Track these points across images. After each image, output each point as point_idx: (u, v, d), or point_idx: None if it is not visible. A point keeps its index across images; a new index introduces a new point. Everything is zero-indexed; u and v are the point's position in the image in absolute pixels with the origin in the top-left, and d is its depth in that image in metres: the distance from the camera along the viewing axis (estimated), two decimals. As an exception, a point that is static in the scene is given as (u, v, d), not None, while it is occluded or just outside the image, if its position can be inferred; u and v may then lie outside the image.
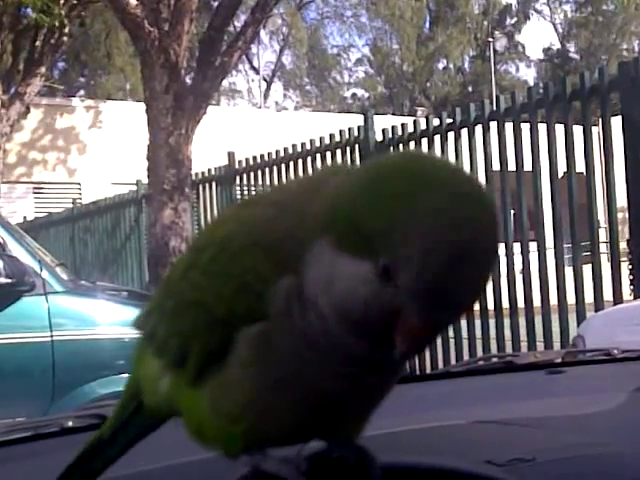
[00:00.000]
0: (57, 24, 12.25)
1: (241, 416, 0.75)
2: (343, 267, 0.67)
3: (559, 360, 1.94)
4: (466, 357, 6.49)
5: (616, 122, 5.89)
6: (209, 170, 10.08)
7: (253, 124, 19.36)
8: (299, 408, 0.76)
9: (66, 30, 12.88)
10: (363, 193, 0.66)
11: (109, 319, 4.99)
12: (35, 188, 18.33)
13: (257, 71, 36.69)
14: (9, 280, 4.81)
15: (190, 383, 0.78)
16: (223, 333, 0.74)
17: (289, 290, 0.71)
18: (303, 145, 8.41)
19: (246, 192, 9.48)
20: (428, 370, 6.56)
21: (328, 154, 8.06)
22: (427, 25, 40.81)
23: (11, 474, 1.18)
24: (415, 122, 7.28)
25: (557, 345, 6.10)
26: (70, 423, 1.36)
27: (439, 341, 6.77)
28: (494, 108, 6.60)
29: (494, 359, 2.32)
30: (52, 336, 4.84)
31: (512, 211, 6.68)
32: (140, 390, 0.86)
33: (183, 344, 0.78)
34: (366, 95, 41.72)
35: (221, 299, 0.74)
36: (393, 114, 24.67)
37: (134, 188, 11.43)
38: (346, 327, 0.68)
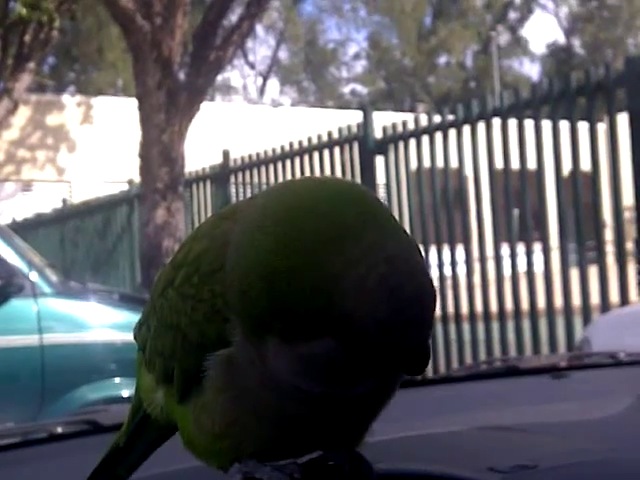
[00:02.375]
0: (46, 19, 12.13)
1: (223, 434, 0.75)
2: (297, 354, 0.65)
3: (564, 364, 1.93)
4: (469, 361, 6.41)
5: (622, 118, 5.83)
6: (203, 168, 9.98)
7: (248, 121, 19.31)
8: (280, 428, 0.75)
9: (56, 24, 12.76)
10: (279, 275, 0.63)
11: (100, 322, 4.93)
12: (24, 187, 18.24)
13: (253, 66, 36.74)
14: (-3, 281, 4.75)
15: (177, 400, 0.78)
16: (198, 357, 0.74)
17: (239, 330, 0.70)
18: (300, 142, 8.31)
19: (241, 191, 9.40)
20: (430, 374, 6.49)
21: (326, 152, 7.97)
22: (428, 19, 40.82)
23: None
24: (416, 119, 7.17)
25: (562, 348, 6.03)
26: (59, 429, 1.39)
27: (441, 345, 6.71)
28: (497, 104, 6.51)
29: (497, 363, 2.26)
30: (41, 339, 4.77)
31: (516, 210, 6.61)
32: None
33: (166, 363, 0.78)
34: (365, 91, 41.81)
35: (193, 323, 0.73)
36: (393, 110, 24.64)
37: (126, 187, 11.33)
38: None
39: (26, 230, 12.59)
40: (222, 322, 0.71)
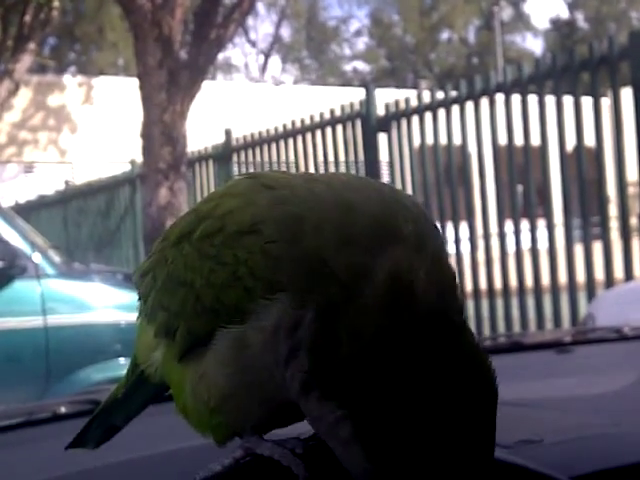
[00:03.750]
0: (46, -2, 12.07)
1: (217, 409, 0.72)
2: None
3: (568, 339, 1.93)
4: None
5: (627, 93, 5.78)
6: (205, 148, 9.95)
7: (250, 99, 19.23)
8: (273, 409, 0.73)
9: (56, 4, 12.68)
10: None
11: (104, 302, 4.93)
12: (26, 168, 18.21)
13: (254, 44, 36.53)
14: (0, 263, 4.75)
15: (176, 360, 0.75)
16: (209, 321, 0.70)
17: (282, 315, 0.64)
18: (303, 121, 8.27)
19: (244, 170, 9.36)
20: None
21: (328, 129, 7.93)
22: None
23: (4, 460, 1.18)
24: (418, 95, 7.13)
25: (567, 325, 6.02)
26: (63, 409, 1.38)
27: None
28: (500, 80, 6.47)
29: (501, 339, 2.26)
30: (45, 321, 4.77)
31: (520, 187, 6.58)
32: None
33: (170, 319, 0.74)
34: (367, 68, 41.58)
35: (210, 286, 0.69)
36: (395, 87, 24.52)
37: (128, 167, 11.30)
38: None
39: (29, 212, 12.59)
40: (242, 291, 0.66)
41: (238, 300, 0.67)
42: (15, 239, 4.94)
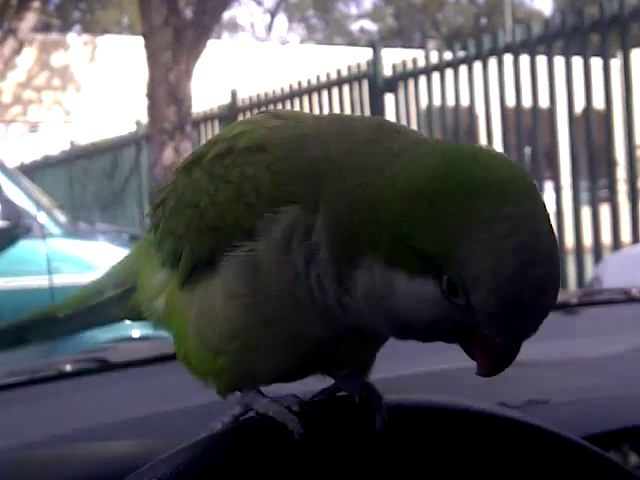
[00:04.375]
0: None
1: (223, 349, 0.71)
2: (399, 283, 0.62)
3: (575, 300, 1.91)
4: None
5: (637, 54, 5.73)
6: (211, 108, 9.89)
7: (256, 58, 19.08)
8: (286, 348, 0.71)
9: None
10: (418, 208, 0.61)
11: (109, 262, 4.91)
12: (31, 128, 18.17)
13: (260, 3, 36.21)
14: (5, 223, 4.75)
15: (178, 285, 0.74)
16: (211, 241, 0.69)
17: (295, 224, 0.65)
18: (309, 81, 8.21)
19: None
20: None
21: (335, 90, 7.88)
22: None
23: (10, 418, 1.18)
24: (426, 55, 7.07)
25: (573, 287, 6.02)
26: (69, 367, 1.39)
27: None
28: (509, 40, 6.41)
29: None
30: (51, 280, 4.78)
31: (528, 149, 6.55)
32: (132, 282, 0.84)
33: (176, 244, 0.74)
34: (374, 27, 41.13)
35: (214, 204, 0.69)
36: (403, 47, 24.30)
37: (133, 127, 11.26)
38: (391, 327, 0.66)
39: (34, 172, 12.58)
40: (244, 208, 0.67)
41: (239, 216, 0.67)
42: (20, 199, 4.94)
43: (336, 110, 7.88)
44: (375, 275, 0.63)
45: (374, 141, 0.66)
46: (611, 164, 5.90)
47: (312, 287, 0.66)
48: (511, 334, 0.62)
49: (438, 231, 0.60)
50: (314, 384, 0.78)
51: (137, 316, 0.86)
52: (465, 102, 6.78)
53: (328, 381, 0.78)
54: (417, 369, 1.18)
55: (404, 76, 7.21)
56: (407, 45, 29.61)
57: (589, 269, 5.85)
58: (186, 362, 0.76)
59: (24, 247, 4.85)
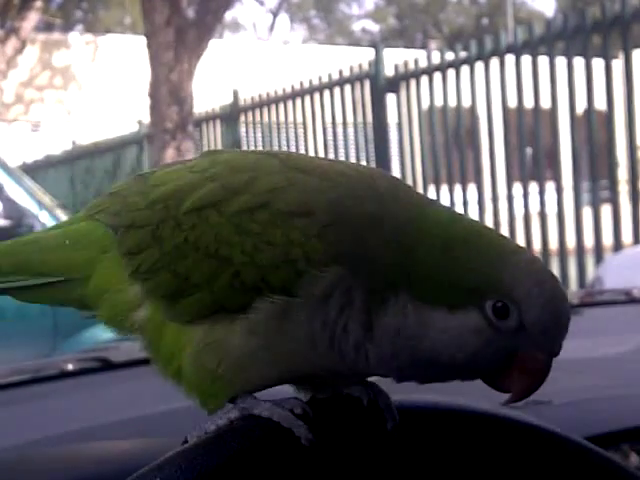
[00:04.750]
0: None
1: (228, 376, 0.71)
2: (437, 319, 0.67)
3: (577, 301, 1.91)
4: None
5: (639, 55, 5.72)
6: (213, 108, 9.89)
7: (258, 58, 19.07)
8: (289, 378, 0.74)
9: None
10: (457, 247, 0.68)
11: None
12: (33, 127, 18.16)
13: (262, 3, 36.16)
14: (7, 222, 4.74)
15: (178, 322, 0.72)
16: (243, 296, 0.69)
17: (336, 282, 0.67)
18: (311, 81, 8.21)
19: (251, 130, 9.33)
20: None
21: (337, 90, 7.87)
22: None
23: (12, 416, 1.18)
24: (428, 56, 7.06)
25: (574, 288, 6.01)
26: (70, 366, 1.39)
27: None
28: (511, 40, 6.41)
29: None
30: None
31: (529, 149, 6.54)
32: (78, 274, 0.76)
33: (185, 285, 0.71)
34: (376, 28, 41.09)
35: (254, 264, 0.68)
36: (405, 47, 24.28)
37: (135, 127, 11.25)
38: (415, 368, 0.70)
39: (36, 171, 12.58)
40: (293, 272, 0.67)
41: (287, 280, 0.68)
42: (22, 198, 4.94)
43: (338, 110, 7.87)
44: (409, 313, 0.68)
45: (394, 196, 0.72)
46: (612, 165, 5.89)
47: (335, 333, 0.68)
48: (552, 347, 0.69)
49: (480, 262, 0.68)
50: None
51: (69, 305, 0.80)
52: (467, 102, 6.77)
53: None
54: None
55: (406, 76, 7.20)
56: (409, 45, 29.58)
57: (590, 270, 5.84)
58: (175, 377, 0.74)
59: (26, 246, 4.85)
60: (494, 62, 6.47)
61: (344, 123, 7.88)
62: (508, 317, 0.67)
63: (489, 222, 6.53)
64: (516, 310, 0.67)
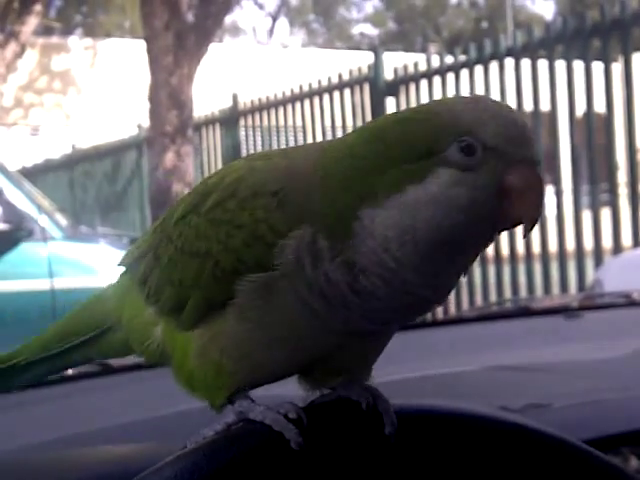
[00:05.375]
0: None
1: (229, 368, 0.74)
2: (415, 194, 0.67)
3: (576, 304, 1.92)
4: (479, 303, 6.40)
5: (638, 58, 5.73)
6: (212, 112, 9.89)
7: (258, 62, 19.08)
8: (291, 362, 0.75)
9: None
10: (394, 123, 0.71)
11: (110, 265, 4.91)
12: (32, 131, 18.17)
13: (261, 7, 36.20)
14: (7, 226, 4.75)
15: (184, 330, 0.76)
16: (227, 283, 0.72)
17: (302, 240, 0.70)
18: (310, 84, 8.21)
19: (251, 134, 9.33)
20: (440, 316, 6.51)
21: (336, 93, 7.87)
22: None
23: (11, 420, 1.19)
24: (427, 59, 7.07)
25: (574, 291, 6.00)
26: (70, 371, 1.39)
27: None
28: (510, 44, 6.41)
29: (508, 304, 2.25)
30: (52, 283, 4.77)
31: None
32: (111, 323, 0.85)
33: (181, 292, 0.76)
34: (375, 32, 41.13)
35: (229, 249, 0.72)
36: (404, 51, 24.31)
37: (135, 131, 11.25)
38: (420, 248, 0.68)
39: (36, 175, 12.58)
40: (264, 247, 0.70)
41: (259, 256, 0.71)
42: (22, 202, 4.94)
43: (338, 114, 7.87)
44: (383, 216, 0.68)
45: (320, 148, 0.76)
46: (612, 168, 5.89)
47: (323, 289, 0.69)
48: (528, 153, 0.68)
49: (418, 122, 0.69)
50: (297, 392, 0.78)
51: (114, 354, 0.89)
52: (466, 106, 6.77)
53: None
54: (419, 373, 1.18)
55: (405, 80, 7.20)
56: (408, 49, 29.58)
57: (590, 273, 5.84)
58: (188, 382, 0.78)
59: (25, 250, 4.85)
60: (493, 65, 6.47)
61: (344, 127, 7.87)
62: (474, 149, 0.67)
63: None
64: (474, 138, 0.67)
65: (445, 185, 0.67)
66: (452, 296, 6.77)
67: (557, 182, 6.14)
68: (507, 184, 0.67)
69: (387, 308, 0.70)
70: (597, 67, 5.91)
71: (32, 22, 12.86)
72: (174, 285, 0.77)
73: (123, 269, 0.88)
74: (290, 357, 0.74)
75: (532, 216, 0.68)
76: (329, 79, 7.97)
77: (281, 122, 8.68)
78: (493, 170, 0.67)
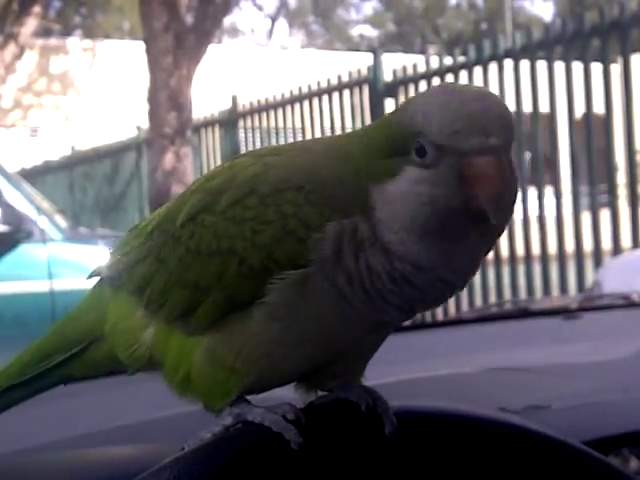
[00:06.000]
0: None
1: (243, 368, 0.73)
2: (401, 191, 0.70)
3: (576, 305, 1.93)
4: (479, 304, 6.40)
5: (637, 60, 5.73)
6: (212, 113, 9.89)
7: (257, 64, 19.09)
8: (308, 362, 0.74)
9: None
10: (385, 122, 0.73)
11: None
12: (31, 132, 18.17)
13: (260, 8, 36.22)
14: (6, 227, 4.74)
15: (194, 333, 0.74)
16: (256, 281, 0.71)
17: (342, 232, 0.70)
18: (309, 86, 8.21)
19: (250, 136, 9.32)
20: (440, 317, 6.51)
21: (335, 95, 7.87)
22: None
23: (11, 422, 1.15)
24: (426, 60, 7.07)
25: (573, 293, 6.00)
26: None
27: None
28: (509, 45, 6.41)
29: (508, 305, 2.26)
30: (51, 285, 4.76)
31: (528, 154, 6.54)
32: (93, 337, 0.83)
33: (195, 294, 0.74)
34: (374, 33, 41.16)
35: (256, 246, 0.71)
36: (403, 53, 24.32)
37: (134, 132, 11.26)
38: (430, 232, 0.70)
39: (35, 177, 12.58)
40: (297, 243, 0.70)
41: (292, 252, 0.70)
42: (21, 204, 4.94)
43: (337, 116, 7.88)
44: (381, 197, 0.70)
45: (328, 143, 0.78)
46: (611, 169, 5.89)
47: (363, 280, 0.70)
48: (477, 146, 0.68)
49: (397, 127, 0.71)
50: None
51: (97, 369, 0.87)
52: (465, 107, 6.77)
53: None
54: (419, 374, 1.18)
55: (404, 81, 7.20)
56: (407, 50, 29.61)
57: (589, 274, 5.84)
58: (183, 385, 0.76)
59: (25, 252, 4.84)
60: (492, 67, 6.47)
61: (343, 128, 7.88)
62: (425, 150, 0.69)
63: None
64: (425, 138, 0.69)
65: (410, 183, 0.69)
66: (452, 298, 6.76)
67: (556, 183, 6.14)
68: (465, 176, 0.68)
69: (419, 296, 0.72)
70: (596, 68, 5.91)
71: (31, 23, 12.86)
72: (187, 287, 0.75)
73: (96, 281, 0.87)
74: (309, 357, 0.74)
75: (493, 204, 0.68)
76: (328, 80, 7.97)
77: (280, 123, 8.68)
78: (448, 165, 0.69)
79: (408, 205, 0.69)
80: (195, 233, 0.75)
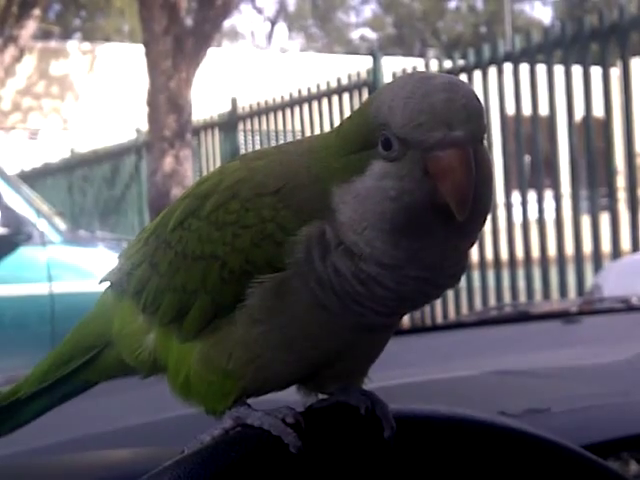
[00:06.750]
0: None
1: (236, 372, 0.73)
2: (364, 185, 0.69)
3: (575, 309, 1.93)
4: (478, 308, 6.40)
5: (636, 63, 5.73)
6: (211, 116, 9.90)
7: (256, 67, 19.10)
8: (300, 365, 0.74)
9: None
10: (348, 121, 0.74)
11: (109, 269, 4.90)
12: (31, 135, 18.17)
13: (260, 11, 36.23)
14: (6, 230, 4.75)
15: (186, 338, 0.75)
16: (236, 285, 0.71)
17: (312, 236, 0.70)
18: (309, 89, 8.21)
19: (249, 138, 9.33)
20: (439, 320, 6.53)
21: (335, 98, 7.87)
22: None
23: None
24: (426, 64, 7.08)
25: (573, 296, 6.00)
26: None
27: (451, 291, 6.70)
28: (509, 49, 6.42)
29: (507, 308, 2.27)
30: (51, 287, 4.77)
31: (527, 157, 6.55)
32: (104, 342, 0.85)
33: (184, 298, 0.75)
34: (374, 36, 41.19)
35: (236, 250, 0.72)
36: (403, 56, 24.33)
37: (133, 135, 11.26)
38: (393, 231, 0.69)
39: (34, 179, 12.58)
40: (274, 246, 0.70)
41: (270, 255, 0.70)
42: (20, 206, 4.94)
43: (336, 118, 7.88)
44: (346, 195, 0.70)
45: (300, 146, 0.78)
46: (611, 172, 5.89)
47: (332, 283, 0.69)
48: (441, 139, 0.67)
49: (366, 119, 0.70)
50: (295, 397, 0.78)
51: (111, 373, 0.88)
52: (465, 110, 6.77)
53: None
54: (418, 378, 1.18)
55: (404, 84, 7.20)
56: (407, 53, 29.66)
57: (589, 277, 5.84)
58: (185, 391, 0.77)
59: (24, 254, 4.85)
60: (492, 70, 6.48)
61: (342, 131, 7.87)
62: (390, 143, 0.68)
63: (487, 230, 6.54)
64: (389, 131, 0.67)
65: (376, 177, 0.68)
66: (451, 301, 6.77)
67: (556, 187, 6.14)
68: (429, 169, 0.67)
69: (393, 296, 0.70)
70: (596, 72, 5.92)
71: (31, 26, 12.88)
72: (176, 291, 0.76)
73: (108, 285, 0.88)
74: (300, 359, 0.74)
75: (457, 198, 0.66)
76: (328, 83, 7.98)
77: (280, 126, 8.68)
78: (413, 159, 0.67)
79: (372, 201, 0.68)
80: (183, 238, 0.76)
